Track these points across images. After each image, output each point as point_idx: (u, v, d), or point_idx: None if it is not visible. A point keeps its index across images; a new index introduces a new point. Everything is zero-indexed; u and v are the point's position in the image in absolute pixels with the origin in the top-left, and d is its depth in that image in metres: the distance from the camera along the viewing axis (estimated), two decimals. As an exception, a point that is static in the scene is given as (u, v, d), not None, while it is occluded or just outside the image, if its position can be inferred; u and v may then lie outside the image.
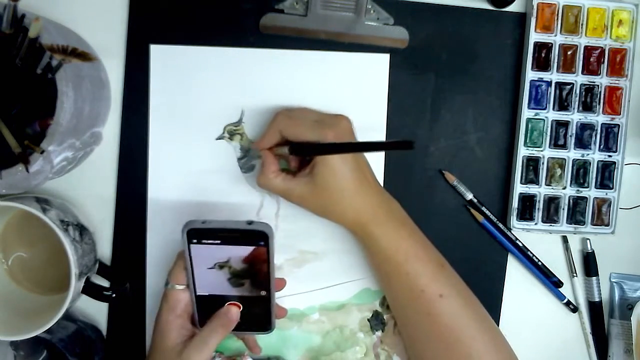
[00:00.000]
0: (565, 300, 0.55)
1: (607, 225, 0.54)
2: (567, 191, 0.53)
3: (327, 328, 0.53)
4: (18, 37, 0.40)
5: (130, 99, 0.52)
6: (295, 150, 0.44)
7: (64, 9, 0.50)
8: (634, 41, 0.52)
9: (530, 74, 0.52)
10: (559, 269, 0.55)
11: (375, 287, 0.54)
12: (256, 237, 0.41)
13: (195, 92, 0.52)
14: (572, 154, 0.53)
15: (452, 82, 0.53)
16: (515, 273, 0.55)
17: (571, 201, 0.53)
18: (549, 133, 0.53)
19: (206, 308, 0.44)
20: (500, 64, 0.54)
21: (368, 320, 0.54)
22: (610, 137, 0.53)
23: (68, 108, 0.40)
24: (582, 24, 0.52)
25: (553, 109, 0.53)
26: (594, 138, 0.53)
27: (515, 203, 0.53)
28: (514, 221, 0.53)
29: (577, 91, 0.53)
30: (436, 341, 0.45)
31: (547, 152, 0.53)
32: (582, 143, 0.53)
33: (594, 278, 0.55)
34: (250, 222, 0.41)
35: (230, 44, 0.52)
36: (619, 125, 0.53)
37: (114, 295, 0.50)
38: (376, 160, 0.52)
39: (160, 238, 0.52)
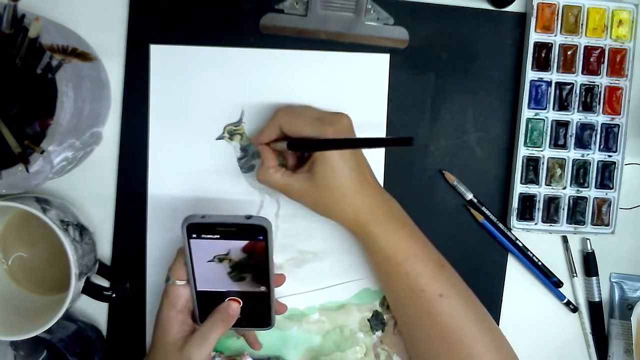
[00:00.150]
0: (565, 300, 0.55)
1: (607, 225, 0.54)
2: (567, 191, 0.53)
3: (327, 328, 0.53)
4: (18, 37, 0.40)
5: (130, 99, 0.52)
6: (294, 145, 0.44)
7: (64, 9, 0.50)
8: (634, 41, 0.52)
9: (530, 74, 0.52)
10: (559, 269, 0.55)
11: (375, 287, 0.54)
12: (255, 231, 0.41)
13: (195, 92, 0.52)
14: (572, 154, 0.53)
15: (452, 82, 0.53)
16: (515, 273, 0.55)
17: (571, 201, 0.53)
18: (549, 133, 0.53)
19: (206, 304, 0.45)
20: (500, 64, 0.54)
21: (368, 320, 0.54)
22: (610, 137, 0.53)
23: (68, 108, 0.40)
24: (582, 24, 0.52)
25: (553, 109, 0.53)
26: (594, 138, 0.53)
27: (515, 203, 0.53)
28: (514, 221, 0.53)
29: (577, 91, 0.53)
30: (437, 341, 0.45)
31: (547, 152, 0.53)
32: (582, 143, 0.53)
33: (594, 278, 0.55)
34: (249, 217, 0.41)
35: (230, 44, 0.52)
36: (619, 125, 0.53)
37: (114, 295, 0.50)
38: (376, 160, 0.52)
39: (160, 238, 0.52)
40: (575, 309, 0.55)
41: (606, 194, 0.53)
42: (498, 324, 0.54)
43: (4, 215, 0.50)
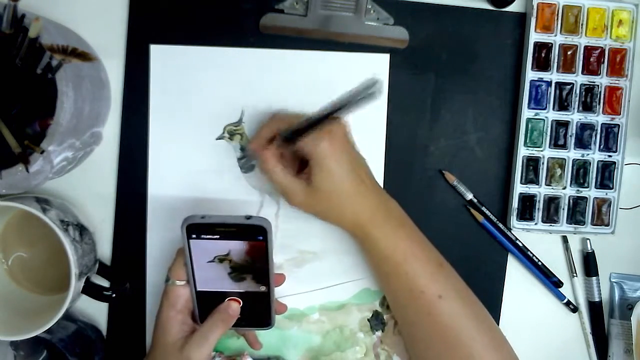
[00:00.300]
0: (565, 300, 0.55)
1: (607, 225, 0.54)
2: (567, 191, 0.53)
3: (327, 328, 0.53)
4: (18, 37, 0.40)
5: (130, 99, 0.52)
6: (287, 137, 0.44)
7: (64, 9, 0.50)
8: (634, 41, 0.52)
9: (530, 74, 0.52)
10: (559, 269, 0.55)
11: (375, 287, 0.54)
12: (255, 231, 0.41)
13: (195, 92, 0.52)
14: (572, 154, 0.53)
15: (452, 82, 0.53)
16: (515, 273, 0.55)
17: (571, 201, 0.53)
18: (549, 133, 0.53)
19: (206, 304, 0.45)
20: (500, 64, 0.54)
21: (368, 320, 0.54)
22: (610, 137, 0.53)
23: (68, 108, 0.40)
24: (582, 24, 0.52)
25: (553, 109, 0.53)
26: (594, 138, 0.53)
27: (515, 203, 0.53)
28: (514, 221, 0.53)
29: (577, 91, 0.53)
30: (437, 341, 0.45)
31: (547, 152, 0.53)
32: (582, 143, 0.53)
33: (594, 278, 0.55)
34: (248, 217, 0.41)
35: (230, 44, 0.52)
36: (619, 125, 0.53)
37: (114, 295, 0.50)
38: (376, 160, 0.52)
39: (160, 238, 0.52)
40: (575, 309, 0.55)
41: (606, 194, 0.53)
42: (498, 324, 0.54)
43: (4, 215, 0.50)
